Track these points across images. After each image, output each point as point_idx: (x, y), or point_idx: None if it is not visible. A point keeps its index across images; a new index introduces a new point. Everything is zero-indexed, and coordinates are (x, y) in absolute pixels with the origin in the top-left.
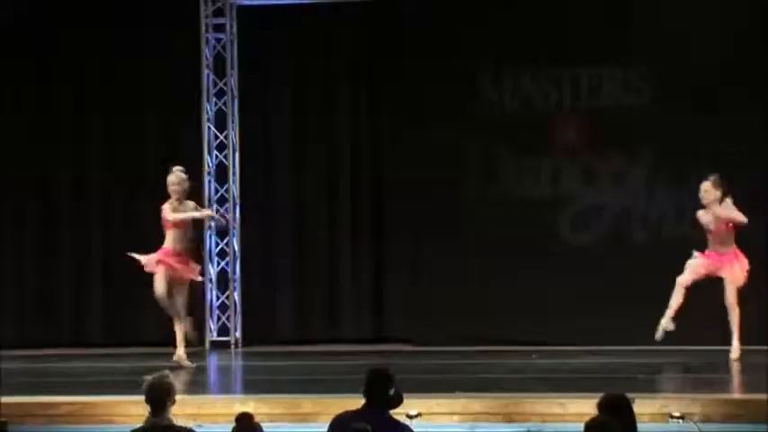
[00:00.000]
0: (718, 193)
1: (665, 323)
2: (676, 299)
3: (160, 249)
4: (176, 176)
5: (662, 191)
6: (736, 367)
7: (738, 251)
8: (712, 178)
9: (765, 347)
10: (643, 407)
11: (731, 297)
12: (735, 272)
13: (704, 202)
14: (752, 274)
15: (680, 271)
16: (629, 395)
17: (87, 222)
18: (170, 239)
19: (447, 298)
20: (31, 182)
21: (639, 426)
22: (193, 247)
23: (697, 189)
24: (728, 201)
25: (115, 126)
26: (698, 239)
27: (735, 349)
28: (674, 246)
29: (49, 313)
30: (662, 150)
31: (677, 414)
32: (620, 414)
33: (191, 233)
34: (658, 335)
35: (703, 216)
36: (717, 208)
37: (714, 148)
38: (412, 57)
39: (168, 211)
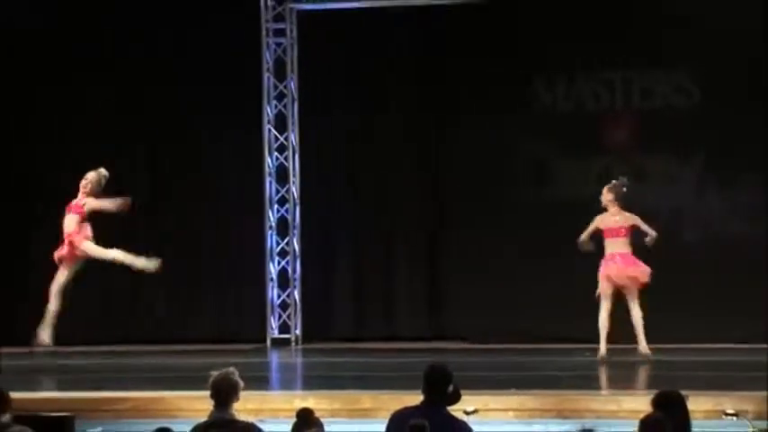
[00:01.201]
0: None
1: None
2: None
3: None
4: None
5: (712, 190)
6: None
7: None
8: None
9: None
10: (697, 404)
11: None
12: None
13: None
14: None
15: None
16: (683, 392)
17: (152, 221)
18: None
19: (502, 296)
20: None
21: (694, 423)
22: None
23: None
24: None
25: (177, 127)
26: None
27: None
28: (726, 245)
29: (116, 312)
30: (711, 150)
31: (731, 411)
32: (675, 411)
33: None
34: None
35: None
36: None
37: (763, 148)
38: (468, 58)
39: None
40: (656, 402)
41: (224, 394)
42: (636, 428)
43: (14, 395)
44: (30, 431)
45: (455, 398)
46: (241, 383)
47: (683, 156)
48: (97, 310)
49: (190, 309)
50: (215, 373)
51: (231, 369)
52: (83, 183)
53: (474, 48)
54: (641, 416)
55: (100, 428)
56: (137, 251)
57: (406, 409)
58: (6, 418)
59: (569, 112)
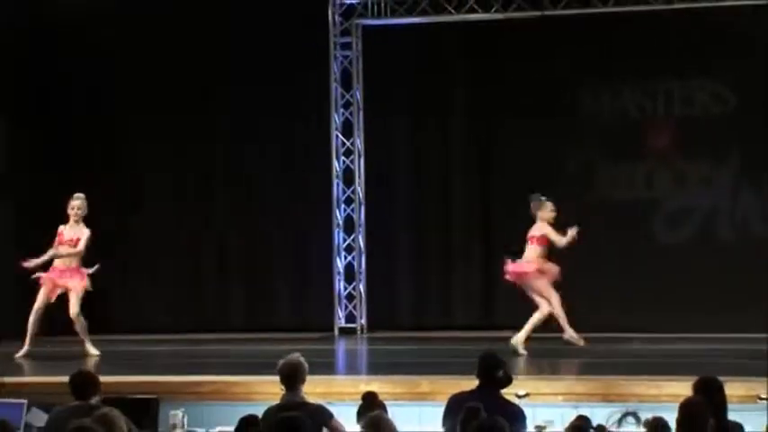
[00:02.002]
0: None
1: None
2: None
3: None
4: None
5: (747, 193)
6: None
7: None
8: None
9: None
10: (733, 389)
11: None
12: None
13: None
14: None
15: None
16: (721, 378)
17: (230, 218)
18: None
19: None
20: (179, 182)
21: (730, 406)
22: None
23: None
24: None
25: (252, 131)
26: None
27: None
28: (759, 243)
29: (197, 302)
30: (746, 154)
31: (764, 396)
32: (713, 395)
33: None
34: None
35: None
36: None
37: None
38: (520, 68)
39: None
40: (697, 387)
41: (291, 378)
42: (676, 411)
43: (103, 379)
44: (117, 412)
45: (506, 382)
46: (306, 366)
47: (719, 159)
48: (180, 300)
49: (265, 300)
50: (282, 360)
51: (296, 354)
52: (73, 209)
53: (525, 59)
54: (681, 399)
55: (182, 409)
56: (219, 246)
57: (462, 393)
58: (96, 399)
59: (614, 120)
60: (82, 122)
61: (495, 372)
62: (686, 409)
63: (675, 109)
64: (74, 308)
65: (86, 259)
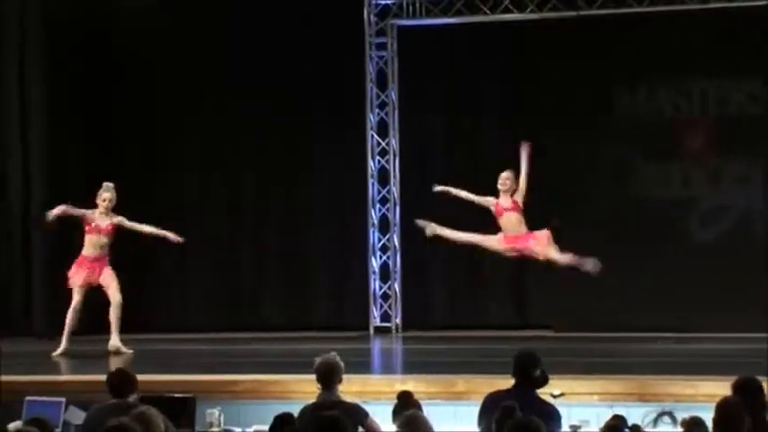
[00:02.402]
0: None
1: None
2: None
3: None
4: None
5: None
6: None
7: None
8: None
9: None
10: None
11: None
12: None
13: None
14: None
15: None
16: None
17: (266, 217)
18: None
19: (586, 288)
20: (215, 182)
21: None
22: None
23: None
24: None
25: (287, 131)
26: None
27: None
28: None
29: (235, 301)
30: None
31: None
32: (752, 395)
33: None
34: None
35: None
36: None
37: None
38: (556, 67)
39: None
40: (736, 387)
41: (328, 377)
42: (712, 411)
43: (140, 377)
44: (154, 410)
45: (542, 381)
46: (342, 366)
47: (755, 158)
48: (217, 299)
49: (300, 299)
50: (318, 359)
51: (332, 353)
52: (105, 201)
53: (560, 58)
54: (717, 399)
55: (218, 408)
56: (255, 245)
57: (498, 392)
58: (133, 398)
59: (649, 119)
60: (117, 120)
61: (531, 371)
62: (723, 408)
63: (711, 108)
64: (117, 295)
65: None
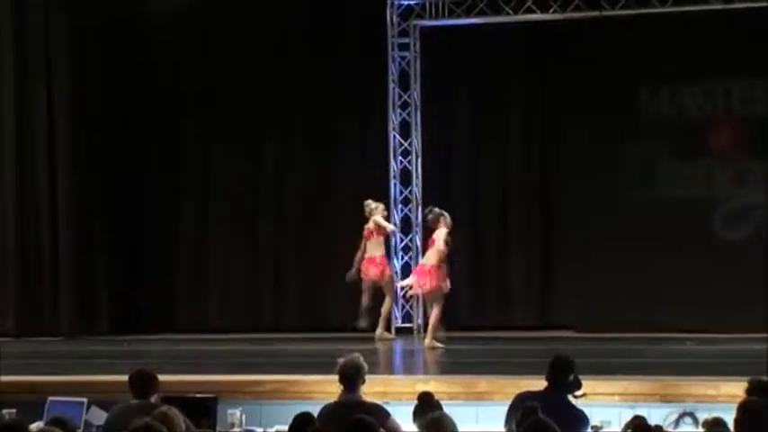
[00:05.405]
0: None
1: None
2: None
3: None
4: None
5: None
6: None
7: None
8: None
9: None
10: None
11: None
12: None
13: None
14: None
15: None
16: None
17: (285, 218)
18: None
19: (608, 288)
20: (236, 183)
21: None
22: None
23: None
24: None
25: (300, 131)
26: None
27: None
28: None
29: (257, 302)
30: None
31: None
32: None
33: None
34: None
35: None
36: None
37: None
38: (579, 67)
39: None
40: (750, 389)
41: (351, 378)
42: (734, 412)
43: (162, 378)
44: (176, 411)
45: (576, 386)
46: (365, 367)
47: None
48: (241, 301)
49: (322, 300)
50: (342, 359)
51: (356, 354)
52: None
53: (584, 58)
54: (738, 400)
55: (240, 408)
56: (277, 246)
57: (529, 392)
58: (155, 398)
59: (673, 119)
60: (140, 123)
61: (566, 376)
62: (745, 409)
63: (734, 108)
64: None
65: None
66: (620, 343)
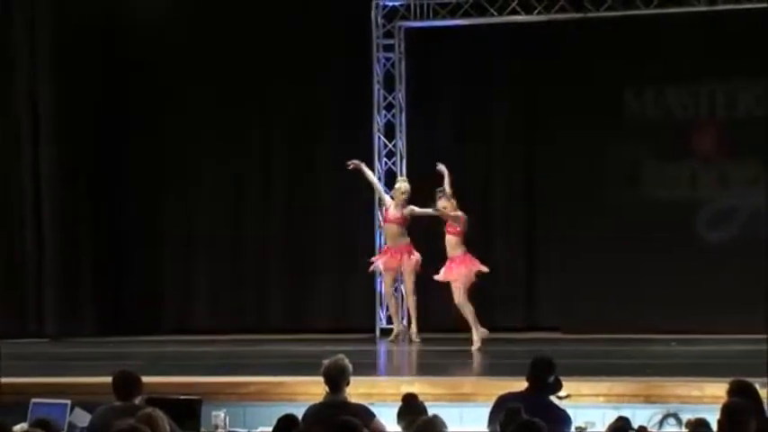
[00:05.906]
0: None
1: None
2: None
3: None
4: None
5: None
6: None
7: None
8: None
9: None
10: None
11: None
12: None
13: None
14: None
15: None
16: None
17: (270, 219)
18: None
19: (593, 289)
20: (221, 184)
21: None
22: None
23: None
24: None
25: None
26: None
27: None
28: None
29: (239, 303)
30: None
31: None
32: (749, 398)
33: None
34: None
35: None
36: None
37: None
38: (564, 69)
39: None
40: (732, 390)
41: (335, 379)
42: (718, 413)
43: (146, 379)
44: (160, 412)
45: (556, 387)
46: (350, 368)
47: (763, 160)
48: (225, 302)
49: (306, 301)
50: (326, 361)
51: (341, 356)
52: (405, 194)
53: (569, 60)
54: (723, 401)
55: (224, 410)
56: (261, 247)
57: (511, 394)
58: (139, 400)
59: (658, 120)
60: (125, 123)
61: (547, 376)
62: (729, 410)
63: (719, 110)
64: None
65: None
66: (604, 344)
